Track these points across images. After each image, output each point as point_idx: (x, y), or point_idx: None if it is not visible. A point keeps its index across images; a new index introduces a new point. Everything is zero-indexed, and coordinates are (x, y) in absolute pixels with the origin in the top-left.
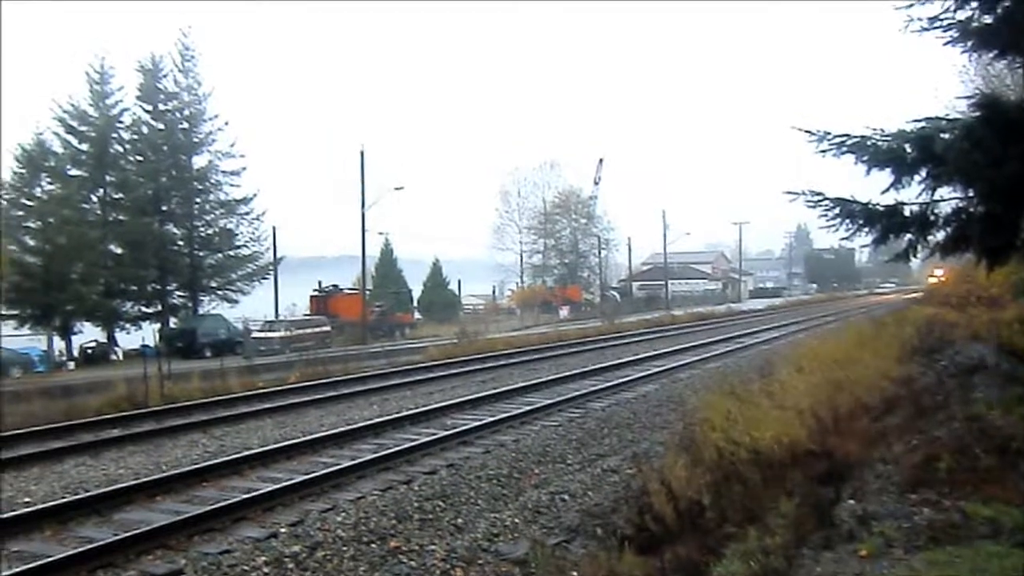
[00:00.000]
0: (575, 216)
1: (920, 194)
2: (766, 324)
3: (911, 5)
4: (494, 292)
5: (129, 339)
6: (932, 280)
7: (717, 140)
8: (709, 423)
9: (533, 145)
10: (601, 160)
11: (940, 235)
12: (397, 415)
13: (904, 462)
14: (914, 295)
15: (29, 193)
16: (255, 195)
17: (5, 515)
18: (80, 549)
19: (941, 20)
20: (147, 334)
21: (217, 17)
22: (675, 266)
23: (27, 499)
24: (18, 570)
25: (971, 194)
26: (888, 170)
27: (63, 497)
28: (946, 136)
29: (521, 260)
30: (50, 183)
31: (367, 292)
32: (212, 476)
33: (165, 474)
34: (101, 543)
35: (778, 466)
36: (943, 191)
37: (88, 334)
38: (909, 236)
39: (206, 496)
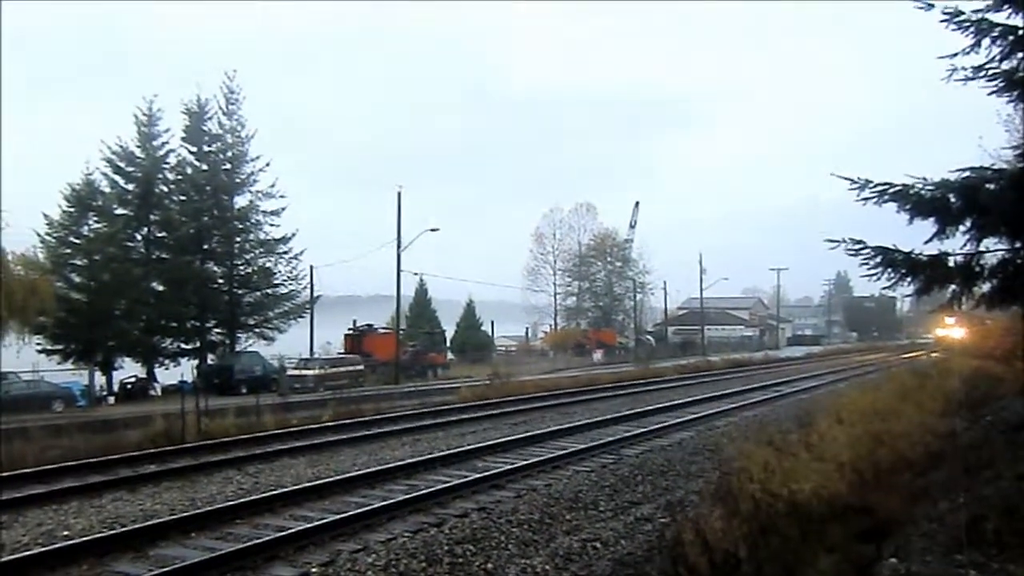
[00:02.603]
0: (610, 259)
1: (965, 244)
2: (804, 372)
3: (955, 55)
4: (527, 334)
5: (168, 375)
6: (942, 333)
7: (756, 184)
8: (746, 473)
9: (569, 187)
10: (637, 203)
11: (986, 286)
12: (429, 456)
13: (949, 521)
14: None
15: (77, 231)
16: (294, 234)
17: (45, 548)
18: None
19: (987, 70)
20: (185, 370)
21: (258, 55)
22: (711, 311)
23: (66, 533)
24: None
25: (1018, 245)
26: (932, 220)
27: (100, 532)
28: (991, 186)
29: (555, 302)
30: (97, 222)
31: (401, 332)
32: (246, 513)
33: (200, 510)
34: None
35: (817, 520)
36: (989, 242)
37: (128, 370)
38: (953, 287)
39: (239, 533)
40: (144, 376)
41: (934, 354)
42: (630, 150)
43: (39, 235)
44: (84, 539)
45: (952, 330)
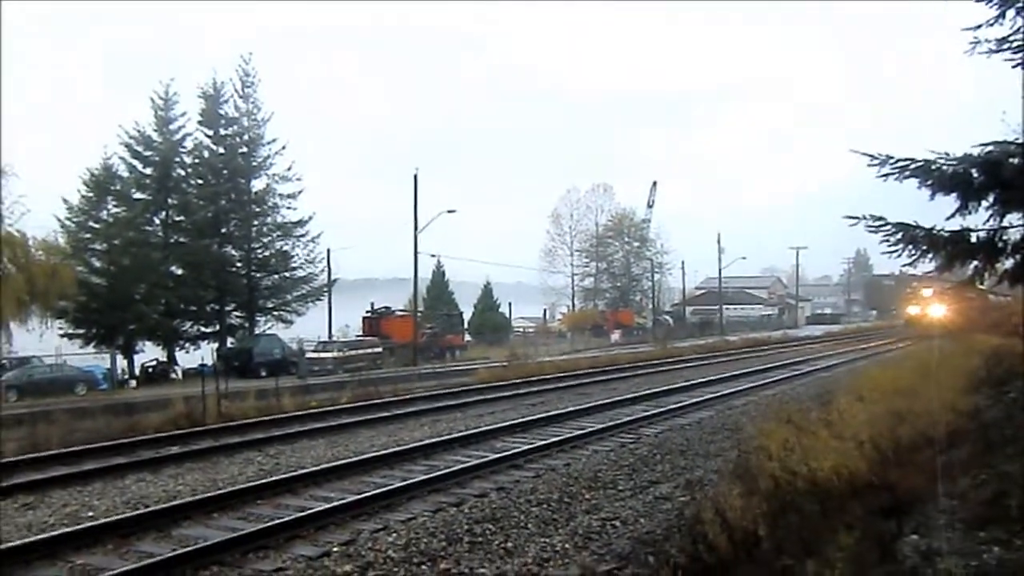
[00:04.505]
0: (628, 239)
1: (987, 220)
2: (824, 351)
3: (979, 27)
4: (545, 315)
5: (188, 358)
6: (914, 311)
7: (775, 162)
8: (765, 452)
9: (586, 167)
10: (655, 183)
11: (1009, 262)
12: (448, 436)
13: (971, 498)
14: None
15: (96, 216)
16: (311, 217)
17: (71, 529)
18: (139, 564)
19: (1010, 42)
20: (205, 353)
21: (276, 37)
22: (730, 291)
23: (91, 513)
24: None
25: None
26: (954, 195)
27: (124, 512)
28: (1015, 160)
29: (572, 283)
30: (116, 206)
31: (419, 314)
32: (267, 494)
33: (221, 491)
34: (160, 558)
35: (837, 498)
36: (1012, 217)
37: (149, 353)
38: (976, 263)
39: (261, 514)
40: (165, 359)
41: (901, 345)
42: (649, 136)
43: (59, 220)
44: (108, 519)
45: (931, 307)
